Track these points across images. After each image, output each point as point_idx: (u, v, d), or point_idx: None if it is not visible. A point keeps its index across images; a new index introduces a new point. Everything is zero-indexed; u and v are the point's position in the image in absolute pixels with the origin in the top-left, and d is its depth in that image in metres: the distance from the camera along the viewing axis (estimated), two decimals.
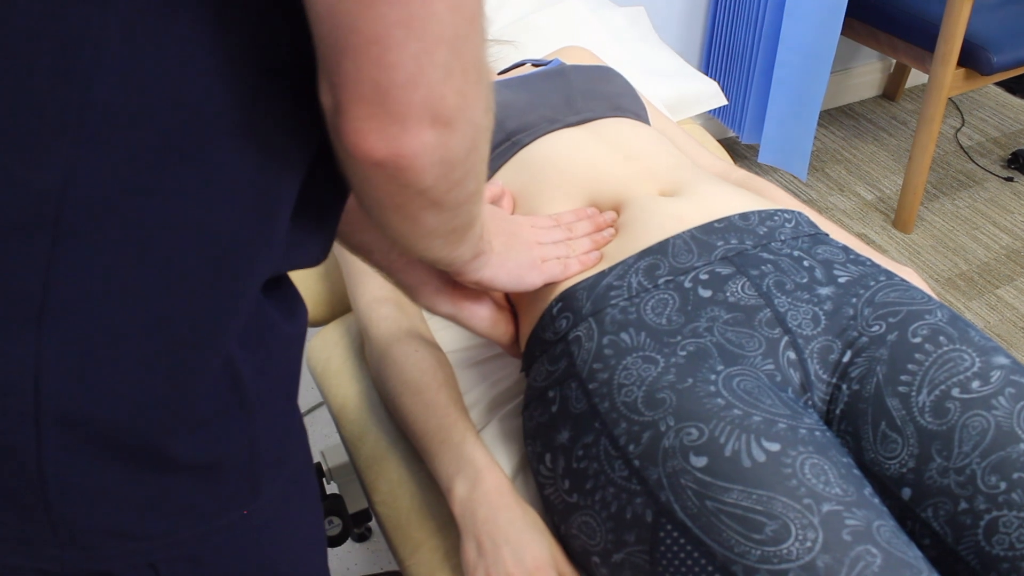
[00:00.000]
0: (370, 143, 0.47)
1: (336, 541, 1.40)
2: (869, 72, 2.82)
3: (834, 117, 2.77)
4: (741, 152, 2.58)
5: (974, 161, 2.58)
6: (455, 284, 0.83)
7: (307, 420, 1.76)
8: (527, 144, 0.99)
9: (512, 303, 0.93)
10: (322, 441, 1.75)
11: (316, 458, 1.58)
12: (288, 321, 0.59)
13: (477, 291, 0.85)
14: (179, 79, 0.44)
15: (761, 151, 2.26)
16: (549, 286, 0.86)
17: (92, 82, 0.43)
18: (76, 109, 0.43)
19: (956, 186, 2.48)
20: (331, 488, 1.52)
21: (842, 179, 2.50)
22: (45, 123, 0.43)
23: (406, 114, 0.46)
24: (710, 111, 2.38)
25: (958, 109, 2.81)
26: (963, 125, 2.74)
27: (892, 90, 2.84)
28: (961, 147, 2.64)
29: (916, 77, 2.91)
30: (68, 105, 0.43)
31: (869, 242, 2.23)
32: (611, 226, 0.90)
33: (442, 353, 0.95)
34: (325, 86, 0.47)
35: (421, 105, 0.46)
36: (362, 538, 1.62)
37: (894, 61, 2.81)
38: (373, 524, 1.62)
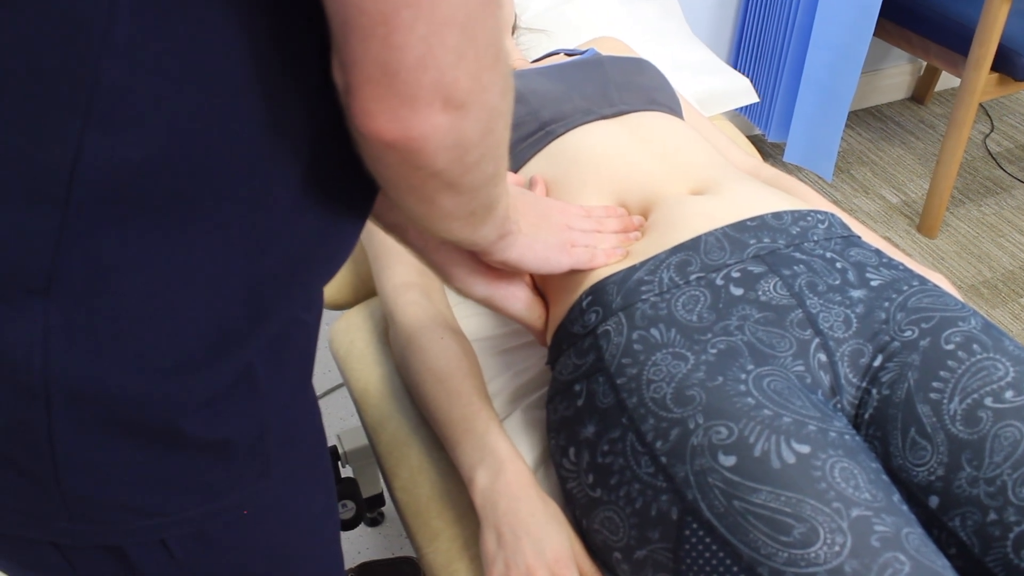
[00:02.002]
0: (380, 124, 0.46)
1: (349, 525, 1.40)
2: (898, 74, 2.79)
3: (861, 118, 2.75)
4: (767, 150, 2.56)
5: (1002, 168, 2.55)
6: (490, 266, 0.81)
7: (323, 403, 1.77)
8: (561, 134, 0.98)
9: (542, 293, 0.92)
10: (338, 424, 1.75)
11: (332, 441, 1.58)
12: (306, 310, 0.58)
13: (512, 273, 0.84)
14: (188, 63, 0.44)
15: (787, 150, 2.24)
16: (578, 279, 0.85)
17: (101, 62, 0.42)
18: (86, 88, 0.43)
19: (983, 192, 2.45)
20: (346, 472, 1.53)
21: (867, 181, 2.48)
22: (55, 100, 0.43)
23: (416, 96, 0.45)
24: (737, 108, 2.37)
25: (988, 114, 2.78)
26: (992, 131, 2.71)
27: (921, 93, 2.81)
28: (989, 153, 2.61)
29: (946, 81, 2.88)
30: (78, 84, 0.42)
31: (892, 246, 2.21)
32: (638, 230, 0.89)
33: (467, 342, 0.94)
34: (336, 64, 0.46)
35: (432, 88, 0.45)
36: (375, 523, 1.62)
37: (924, 64, 2.78)
38: (386, 509, 1.62)
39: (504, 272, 0.83)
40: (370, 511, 1.58)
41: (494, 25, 0.46)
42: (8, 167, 0.44)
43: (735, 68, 2.37)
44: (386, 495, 1.58)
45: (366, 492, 1.50)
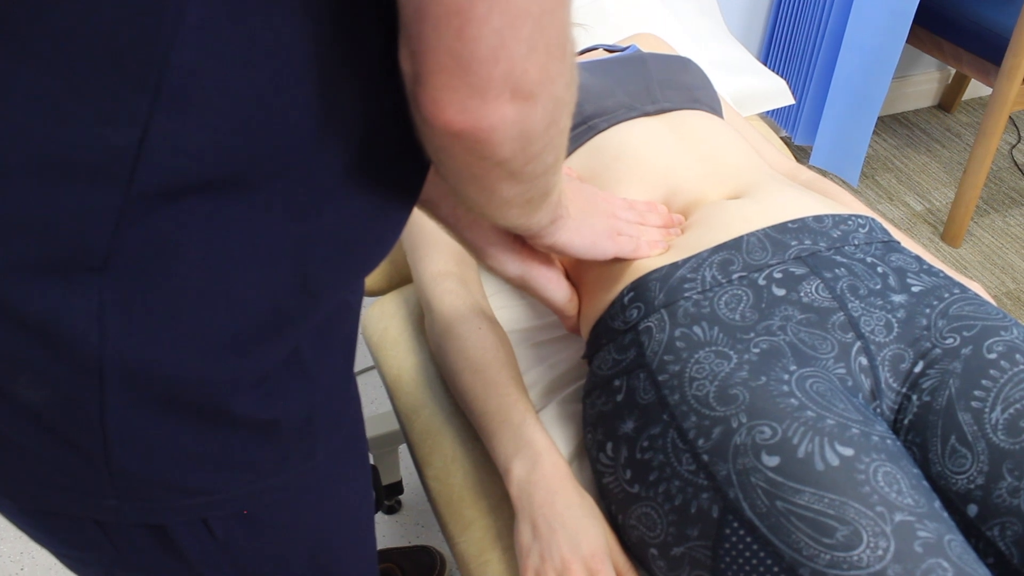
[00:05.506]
0: (449, 114, 0.46)
1: None
2: (926, 81, 2.78)
3: (887, 125, 2.74)
4: (792, 153, 2.55)
5: None
6: (524, 244, 0.81)
7: None
8: (603, 130, 0.98)
9: (575, 285, 0.92)
10: None
11: None
12: (352, 293, 0.59)
13: (546, 255, 0.83)
14: (255, 48, 0.44)
15: (813, 154, 2.23)
16: (619, 273, 0.85)
17: (172, 45, 0.42)
18: (155, 70, 0.43)
19: (1008, 203, 2.44)
20: None
21: (892, 188, 2.47)
22: (124, 80, 0.43)
23: (487, 87, 0.45)
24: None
25: (1015, 125, 2.77)
26: (1020, 141, 2.70)
27: (948, 101, 2.80)
28: (1016, 164, 2.60)
29: (974, 90, 2.86)
30: (148, 65, 0.43)
31: (930, 254, 2.20)
32: (678, 226, 0.89)
33: (504, 332, 0.94)
34: (405, 53, 0.46)
35: (502, 79, 0.45)
36: (392, 511, 1.62)
37: (953, 71, 2.77)
38: (403, 497, 1.62)
39: (538, 252, 0.83)
40: (388, 499, 1.58)
41: (565, 16, 0.46)
42: (76, 145, 0.44)
43: None
44: (404, 483, 1.59)
45: (385, 479, 1.50)
